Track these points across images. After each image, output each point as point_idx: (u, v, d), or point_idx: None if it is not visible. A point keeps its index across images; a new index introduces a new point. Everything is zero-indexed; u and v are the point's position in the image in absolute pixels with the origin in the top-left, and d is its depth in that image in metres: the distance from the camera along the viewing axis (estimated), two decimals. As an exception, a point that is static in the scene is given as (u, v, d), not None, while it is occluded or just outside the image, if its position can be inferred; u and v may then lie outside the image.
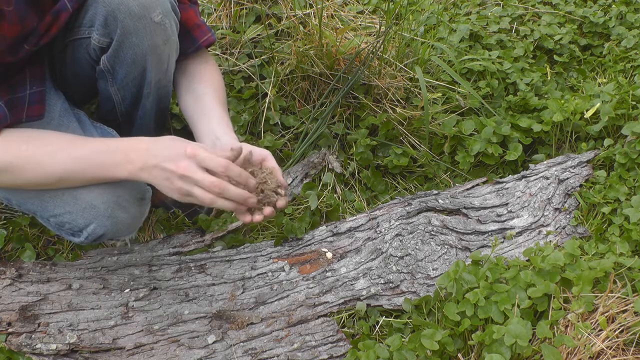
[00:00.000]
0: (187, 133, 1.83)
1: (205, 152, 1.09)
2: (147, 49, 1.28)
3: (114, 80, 1.34)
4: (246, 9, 2.00)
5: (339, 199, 1.75)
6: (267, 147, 1.80)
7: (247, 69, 1.91)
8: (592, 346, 1.17)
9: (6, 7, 1.03)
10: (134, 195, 1.26)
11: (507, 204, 1.66)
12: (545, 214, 1.64)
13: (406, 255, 1.52)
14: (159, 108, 1.49)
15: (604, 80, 2.19)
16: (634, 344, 1.19)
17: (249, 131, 1.82)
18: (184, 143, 1.12)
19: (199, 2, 1.84)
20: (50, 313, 1.37)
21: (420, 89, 1.89)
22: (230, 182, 1.10)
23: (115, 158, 1.11)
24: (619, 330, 1.20)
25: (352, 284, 1.47)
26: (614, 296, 1.27)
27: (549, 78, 2.19)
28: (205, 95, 1.38)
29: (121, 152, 1.11)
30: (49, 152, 1.11)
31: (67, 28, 1.27)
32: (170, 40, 1.30)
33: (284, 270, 1.50)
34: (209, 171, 1.09)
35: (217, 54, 1.91)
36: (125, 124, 1.48)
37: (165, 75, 1.40)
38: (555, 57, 2.30)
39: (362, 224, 1.61)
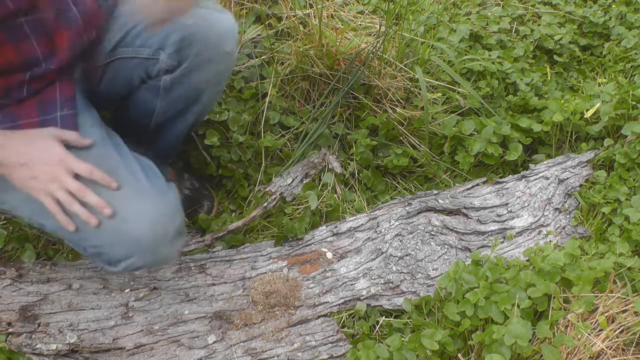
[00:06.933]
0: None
1: (74, 159, 1.11)
2: (212, 76, 1.31)
3: (166, 95, 1.34)
4: (246, 8, 2.00)
5: (339, 199, 1.75)
6: (266, 147, 1.80)
7: (247, 69, 1.91)
8: (592, 346, 1.17)
9: None
10: (178, 229, 1.21)
11: (507, 204, 1.66)
12: (545, 214, 1.64)
13: (406, 255, 1.52)
14: (196, 120, 1.51)
15: (604, 80, 2.19)
16: (634, 344, 1.19)
17: (249, 131, 1.82)
18: (54, 144, 1.12)
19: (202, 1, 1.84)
20: (50, 313, 1.37)
21: (420, 89, 1.88)
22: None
23: None
24: (619, 331, 1.20)
25: (352, 284, 1.48)
26: (614, 296, 1.27)
27: (549, 78, 2.19)
28: None
29: None
30: None
31: (114, 44, 1.27)
32: (232, 66, 1.35)
33: (284, 270, 1.50)
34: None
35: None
36: (154, 130, 1.48)
37: (218, 95, 1.45)
38: (555, 57, 2.30)
39: (362, 224, 1.61)
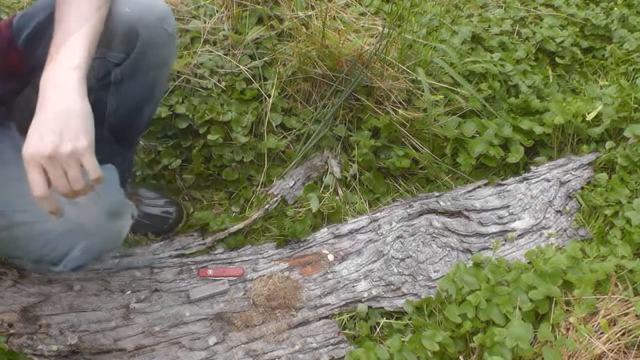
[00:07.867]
0: (191, 132, 1.84)
1: None
2: (160, 61, 1.29)
3: (117, 90, 1.32)
4: (248, 10, 2.00)
5: (340, 201, 1.75)
6: (269, 149, 1.80)
7: (249, 70, 1.91)
8: (593, 349, 1.17)
9: None
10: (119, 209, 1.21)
11: (508, 206, 1.66)
12: (546, 216, 1.64)
13: (407, 257, 1.52)
14: (152, 113, 1.49)
15: (606, 82, 2.19)
16: (635, 347, 1.19)
17: (250, 132, 1.82)
18: None
19: (200, 2, 1.84)
20: (51, 314, 1.37)
21: (422, 91, 1.88)
22: None
23: None
24: (620, 333, 1.20)
25: (353, 286, 1.47)
26: (616, 298, 1.27)
27: (550, 80, 2.19)
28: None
29: None
30: None
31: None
32: (176, 49, 1.32)
33: (285, 272, 1.50)
34: None
35: (220, 55, 1.92)
36: (111, 130, 1.45)
37: (166, 82, 1.42)
38: (557, 60, 2.29)
39: (363, 226, 1.61)
